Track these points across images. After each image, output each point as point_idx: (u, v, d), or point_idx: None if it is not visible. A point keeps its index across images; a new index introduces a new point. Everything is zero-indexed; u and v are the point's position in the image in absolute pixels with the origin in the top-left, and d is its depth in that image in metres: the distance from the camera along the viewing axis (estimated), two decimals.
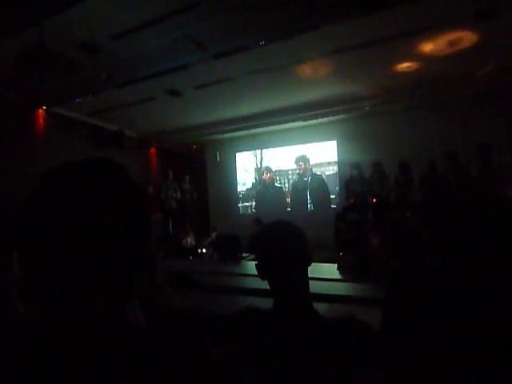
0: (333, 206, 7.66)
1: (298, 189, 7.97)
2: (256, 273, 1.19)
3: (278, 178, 8.46)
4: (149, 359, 0.51)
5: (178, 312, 2.28)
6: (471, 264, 0.92)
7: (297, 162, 7.88)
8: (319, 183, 7.81)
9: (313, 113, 7.57)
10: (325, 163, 7.93)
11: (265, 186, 8.51)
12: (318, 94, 6.92)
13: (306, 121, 7.89)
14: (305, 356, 0.99)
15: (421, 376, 0.90)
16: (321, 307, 1.18)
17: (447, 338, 0.90)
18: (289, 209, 8.23)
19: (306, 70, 5.75)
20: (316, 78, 6.08)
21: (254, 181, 8.87)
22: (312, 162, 7.86)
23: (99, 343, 0.52)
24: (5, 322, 0.61)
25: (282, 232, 1.16)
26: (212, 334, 1.22)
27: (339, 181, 7.88)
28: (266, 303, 1.18)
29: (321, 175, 7.97)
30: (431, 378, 0.88)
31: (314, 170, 7.94)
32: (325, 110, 7.44)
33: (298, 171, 7.98)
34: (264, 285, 1.20)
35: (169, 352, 0.54)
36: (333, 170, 7.79)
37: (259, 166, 8.74)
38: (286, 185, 8.38)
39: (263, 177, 8.53)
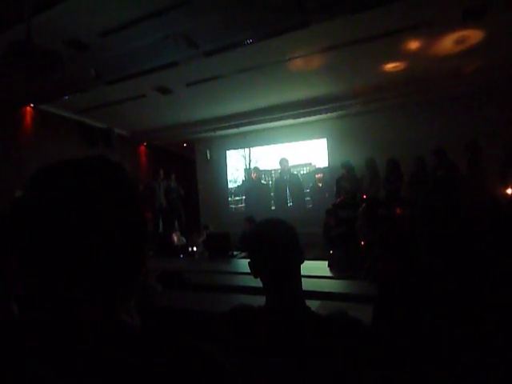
0: (307, 198, 9.30)
1: (280, 184, 9.41)
2: (248, 270, 1.19)
3: (263, 177, 9.83)
4: (143, 359, 0.51)
5: (169, 311, 2.28)
6: (460, 262, 0.93)
7: (280, 162, 9.21)
8: (296, 180, 9.28)
9: (303, 111, 7.59)
10: (301, 165, 9.42)
11: (253, 183, 9.69)
12: (308, 92, 6.95)
13: (296, 119, 7.92)
14: (298, 353, 0.99)
15: (412, 373, 0.91)
16: (312, 304, 1.18)
17: (438, 336, 0.91)
18: (273, 207, 9.51)
19: (296, 67, 5.76)
20: (307, 75, 6.10)
21: (244, 179, 9.98)
22: (290, 164, 9.30)
23: (93, 343, 0.52)
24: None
25: (275, 230, 1.16)
26: (204, 332, 1.22)
27: (330, 178, 8.06)
28: (258, 301, 1.19)
29: (297, 174, 9.37)
30: (423, 374, 0.90)
31: (291, 170, 9.42)
32: (315, 108, 7.47)
33: (280, 170, 9.39)
34: (255, 282, 1.20)
35: (163, 352, 0.53)
36: (307, 170, 9.41)
37: (248, 166, 9.93)
38: (270, 182, 9.75)
39: (252, 175, 9.69)
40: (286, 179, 9.23)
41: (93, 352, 0.51)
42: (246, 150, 9.81)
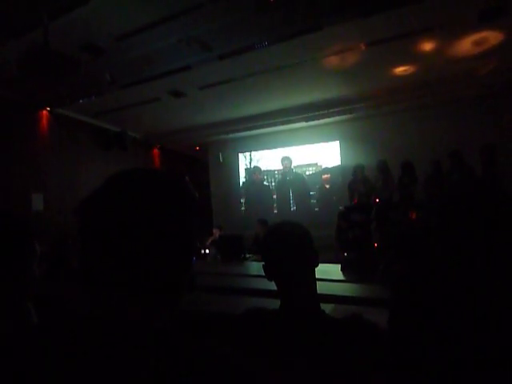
0: (312, 201, 8.72)
1: (283, 186, 8.93)
2: (261, 273, 1.19)
3: (265, 177, 9.37)
4: (173, 363, 0.52)
5: (182, 313, 2.28)
6: (476, 264, 0.92)
7: (282, 161, 8.80)
8: (300, 181, 8.74)
9: (316, 113, 7.56)
10: (306, 165, 8.90)
11: (253, 185, 9.35)
12: (322, 95, 6.93)
13: (309, 121, 7.90)
14: (313, 356, 0.99)
15: (428, 375, 0.90)
16: (326, 308, 1.18)
17: (453, 339, 0.90)
18: (275, 211, 9.09)
19: (309, 70, 5.75)
20: (320, 78, 6.08)
21: (245, 180, 9.66)
22: (294, 164, 8.85)
23: (132, 342, 0.53)
24: (16, 331, 0.63)
25: (289, 232, 1.16)
26: (218, 334, 1.22)
27: (342, 180, 7.98)
28: (271, 304, 1.18)
29: (301, 174, 8.85)
30: (438, 377, 0.89)
31: (296, 170, 8.92)
32: (329, 111, 7.44)
33: (282, 170, 8.93)
34: (269, 285, 1.20)
35: (191, 356, 0.54)
36: (313, 170, 8.81)
37: (249, 165, 9.58)
38: (273, 183, 9.30)
39: (253, 176, 9.33)
40: (289, 180, 8.80)
41: (126, 350, 0.52)
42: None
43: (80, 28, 4.17)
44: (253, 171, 9.38)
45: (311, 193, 8.76)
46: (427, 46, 5.09)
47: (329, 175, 8.44)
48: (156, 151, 9.85)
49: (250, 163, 9.54)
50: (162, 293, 0.60)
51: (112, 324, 0.55)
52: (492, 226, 0.91)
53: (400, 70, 5.91)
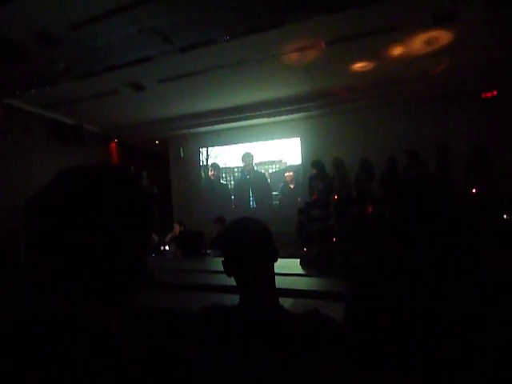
0: (275, 202, 8.16)
1: (242, 186, 8.41)
2: (222, 269, 1.19)
3: (224, 175, 8.83)
4: (122, 361, 0.52)
5: (140, 311, 2.24)
6: (427, 259, 0.96)
7: (243, 158, 8.31)
8: (261, 180, 8.29)
9: (278, 109, 7.61)
10: (270, 162, 8.44)
11: (210, 183, 8.88)
12: (283, 91, 6.97)
13: (270, 117, 7.94)
14: (271, 351, 1.00)
15: (382, 368, 0.93)
16: (285, 302, 1.19)
17: (407, 331, 0.93)
18: (233, 206, 8.64)
19: (271, 66, 5.77)
20: (282, 74, 6.12)
21: (201, 177, 9.25)
22: (257, 160, 8.34)
23: (81, 342, 0.52)
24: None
25: (248, 228, 1.16)
26: (177, 331, 1.21)
27: (303, 177, 8.07)
28: (232, 300, 1.18)
29: (263, 173, 8.41)
30: (393, 370, 0.92)
31: (257, 168, 8.42)
32: (289, 107, 7.50)
33: (243, 168, 8.41)
34: (230, 281, 1.20)
35: (142, 354, 0.54)
36: (276, 168, 8.31)
37: (206, 162, 9.12)
38: (232, 182, 8.78)
39: (209, 173, 8.88)
40: (250, 179, 8.31)
41: (77, 351, 0.51)
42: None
43: (33, 14, 3.95)
44: (209, 168, 8.92)
45: (274, 193, 8.38)
46: (385, 46, 5.26)
47: (292, 173, 8.19)
48: (114, 145, 9.56)
49: (207, 160, 9.14)
50: (112, 290, 0.59)
51: (58, 322, 0.53)
52: (443, 219, 0.95)
53: (359, 68, 6.06)
